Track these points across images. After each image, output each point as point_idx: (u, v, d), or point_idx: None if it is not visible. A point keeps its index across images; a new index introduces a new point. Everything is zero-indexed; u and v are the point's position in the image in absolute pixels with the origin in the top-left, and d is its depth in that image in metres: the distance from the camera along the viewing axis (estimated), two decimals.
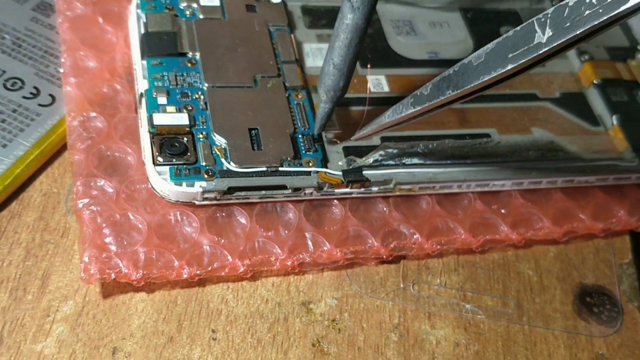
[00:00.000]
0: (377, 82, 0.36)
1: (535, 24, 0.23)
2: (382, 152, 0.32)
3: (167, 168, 0.29)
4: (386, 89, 0.36)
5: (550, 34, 0.23)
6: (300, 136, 0.32)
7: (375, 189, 0.32)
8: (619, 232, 0.35)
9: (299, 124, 0.33)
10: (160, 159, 0.30)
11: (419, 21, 0.39)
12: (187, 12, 0.35)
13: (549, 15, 0.23)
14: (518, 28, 0.24)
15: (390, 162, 0.32)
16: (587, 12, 0.22)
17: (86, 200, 0.29)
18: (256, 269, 0.30)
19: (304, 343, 0.29)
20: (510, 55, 0.24)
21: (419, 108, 0.27)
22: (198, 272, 0.29)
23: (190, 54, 0.34)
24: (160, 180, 0.29)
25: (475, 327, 0.31)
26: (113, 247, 0.28)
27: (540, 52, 0.23)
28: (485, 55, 0.25)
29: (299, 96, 0.34)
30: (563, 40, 0.22)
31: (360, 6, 0.29)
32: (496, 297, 0.32)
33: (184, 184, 0.29)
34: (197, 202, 0.30)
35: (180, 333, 0.28)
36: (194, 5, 0.36)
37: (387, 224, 0.32)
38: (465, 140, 0.34)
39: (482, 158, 0.34)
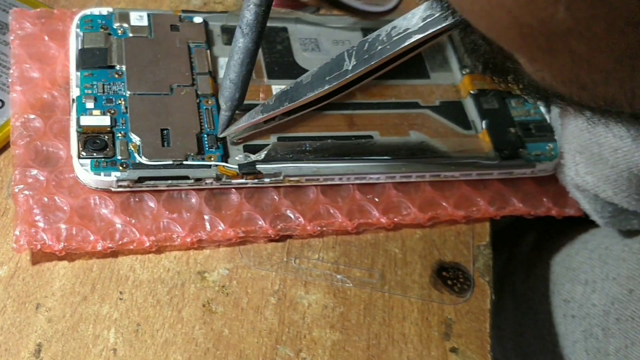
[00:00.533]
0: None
1: (345, 55, 0.30)
2: (273, 149, 0.39)
3: (88, 161, 0.36)
4: None
5: (354, 63, 0.29)
6: (205, 136, 0.39)
7: (267, 180, 0.39)
8: (480, 219, 0.42)
9: (206, 126, 0.39)
10: (83, 153, 0.36)
11: (324, 39, 0.46)
12: (119, 31, 0.42)
13: (355, 48, 0.30)
14: (335, 57, 0.31)
15: (281, 157, 0.39)
16: (379, 47, 0.28)
17: (21, 186, 0.36)
18: (160, 244, 0.36)
19: (195, 304, 0.35)
20: (327, 78, 0.31)
21: (266, 115, 0.34)
22: (110, 245, 0.35)
23: (117, 67, 0.40)
24: (83, 171, 0.36)
25: (342, 293, 0.37)
26: (41, 224, 0.35)
27: (347, 77, 0.30)
28: (311, 77, 0.32)
29: (209, 102, 0.40)
30: (363, 68, 0.29)
31: (249, 32, 0.36)
32: (364, 269, 0.38)
33: (102, 174, 0.36)
34: (112, 189, 0.37)
35: (93, 294, 0.35)
36: (125, 25, 0.42)
37: (276, 209, 0.39)
38: (346, 140, 0.40)
39: (361, 155, 0.40)
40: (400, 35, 0.29)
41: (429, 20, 0.28)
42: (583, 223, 0.45)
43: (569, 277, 0.43)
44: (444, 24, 0.27)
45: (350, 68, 0.30)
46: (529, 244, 0.51)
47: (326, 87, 0.31)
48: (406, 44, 0.28)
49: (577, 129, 0.37)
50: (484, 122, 0.43)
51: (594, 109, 0.27)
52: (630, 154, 0.33)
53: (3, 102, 0.40)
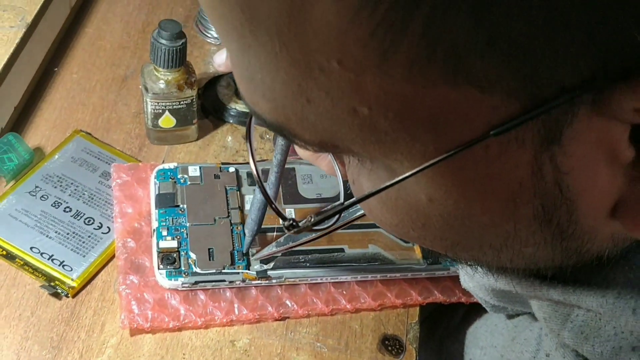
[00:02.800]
0: (289, 213, 0.66)
1: None
2: (278, 262, 0.62)
3: (164, 271, 0.59)
4: (294, 215, 0.65)
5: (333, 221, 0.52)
6: (236, 252, 0.62)
7: (274, 281, 0.61)
8: (412, 305, 0.64)
9: (237, 245, 0.62)
10: (161, 266, 0.60)
11: (315, 175, 0.69)
12: (182, 180, 0.65)
13: None
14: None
15: (282, 266, 0.62)
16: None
17: (124, 287, 0.59)
18: (207, 323, 0.59)
19: None
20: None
21: (278, 249, 0.57)
22: (177, 323, 0.58)
23: (181, 205, 0.64)
24: (161, 277, 0.59)
25: (321, 355, 0.60)
26: (136, 311, 0.58)
27: (327, 230, 0.52)
28: None
29: (238, 228, 0.63)
30: (337, 225, 0.52)
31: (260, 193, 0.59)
32: (335, 339, 0.61)
33: (173, 279, 0.59)
34: (179, 289, 0.60)
35: (167, 354, 0.57)
36: (185, 175, 0.66)
37: (279, 300, 0.62)
38: (325, 254, 0.63)
39: (335, 263, 0.63)
40: (357, 208, 0.52)
41: None
42: None
43: (474, 342, 0.65)
44: None
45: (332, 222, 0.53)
46: (459, 317, 0.73)
47: (313, 235, 0.54)
48: (359, 214, 0.51)
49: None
50: None
51: (460, 262, 0.49)
52: (480, 279, 0.54)
53: (109, 229, 0.63)
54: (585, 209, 0.35)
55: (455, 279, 0.65)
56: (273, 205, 0.43)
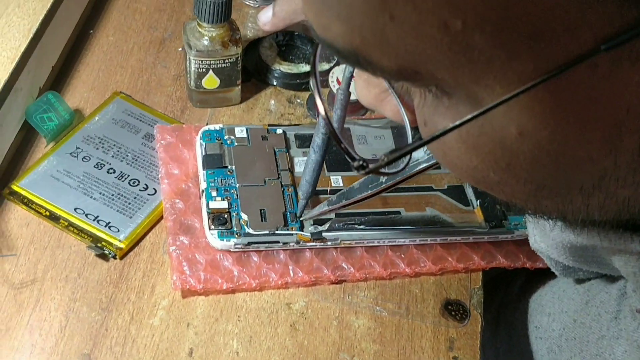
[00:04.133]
0: (336, 180, 0.62)
1: None
2: (333, 223, 0.58)
3: (216, 232, 0.56)
4: (341, 183, 0.62)
5: (386, 178, 0.49)
6: (288, 214, 0.59)
7: (329, 243, 0.58)
8: (475, 270, 0.61)
9: (289, 207, 0.59)
10: (212, 226, 0.56)
11: (369, 136, 0.66)
12: (229, 141, 0.62)
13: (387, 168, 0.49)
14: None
15: (338, 228, 0.58)
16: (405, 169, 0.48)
17: (174, 247, 0.56)
18: (261, 285, 0.56)
19: (285, 324, 0.55)
20: (369, 185, 0.50)
21: (329, 208, 0.54)
22: (231, 285, 0.55)
23: (229, 167, 0.61)
24: (212, 238, 0.56)
25: (380, 319, 0.56)
26: (187, 272, 0.55)
27: (381, 187, 0.49)
28: (359, 184, 0.51)
29: (289, 190, 0.60)
30: (392, 182, 0.49)
31: (318, 150, 0.56)
32: (395, 303, 0.58)
33: (225, 240, 0.56)
34: (231, 250, 0.56)
35: (222, 317, 0.54)
36: (232, 137, 0.63)
37: (335, 262, 0.58)
38: (382, 215, 0.60)
39: (392, 226, 0.60)
40: (414, 163, 0.48)
41: (431, 154, 0.48)
42: (553, 272, 0.63)
43: (539, 310, 0.62)
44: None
45: (384, 181, 0.50)
46: (517, 286, 0.69)
47: (368, 192, 0.51)
48: (417, 169, 0.48)
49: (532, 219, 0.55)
50: (478, 201, 0.63)
51: (538, 216, 0.45)
52: (560, 233, 0.51)
53: (156, 190, 0.60)
54: None
55: (519, 243, 0.62)
56: (342, 145, 0.39)
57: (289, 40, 0.73)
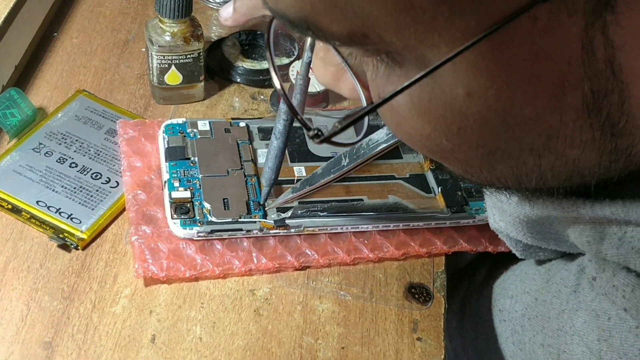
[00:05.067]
0: (299, 170, 0.63)
1: (342, 156, 0.50)
2: (296, 210, 0.59)
3: (178, 220, 0.56)
4: (304, 173, 0.63)
5: (348, 161, 0.50)
6: (252, 202, 0.59)
7: (293, 230, 0.59)
8: (437, 254, 0.61)
9: (252, 196, 0.60)
10: (175, 215, 0.57)
11: (331, 127, 0.66)
12: (191, 134, 0.63)
13: (347, 152, 0.50)
14: (336, 157, 0.51)
15: (301, 215, 0.59)
16: (362, 152, 0.49)
17: (136, 237, 0.56)
18: (225, 272, 0.56)
19: (249, 310, 0.55)
20: (332, 170, 0.51)
21: (295, 194, 0.55)
22: (194, 273, 0.55)
23: (192, 158, 0.61)
24: (175, 227, 0.56)
25: (345, 303, 0.57)
26: (150, 260, 0.55)
27: (343, 170, 0.50)
28: (322, 170, 0.52)
29: (252, 180, 0.61)
30: (353, 165, 0.49)
31: (280, 137, 0.56)
32: (359, 288, 0.58)
33: (187, 229, 0.56)
34: (194, 238, 0.57)
35: (185, 304, 0.54)
36: (195, 130, 0.63)
37: (299, 249, 0.59)
38: (344, 202, 0.61)
39: (355, 212, 0.60)
40: (374, 144, 0.49)
41: (390, 134, 0.49)
42: (515, 257, 0.64)
43: (502, 293, 0.62)
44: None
45: (345, 164, 0.50)
46: (482, 274, 0.70)
47: (331, 177, 0.51)
48: (377, 150, 0.49)
49: (489, 194, 0.56)
50: (439, 188, 0.63)
51: (494, 185, 0.46)
52: (516, 207, 0.51)
53: (118, 183, 0.60)
54: (638, 96, 0.33)
55: (481, 227, 0.63)
56: (299, 117, 0.40)
57: (252, 40, 0.74)
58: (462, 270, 0.72)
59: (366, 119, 0.43)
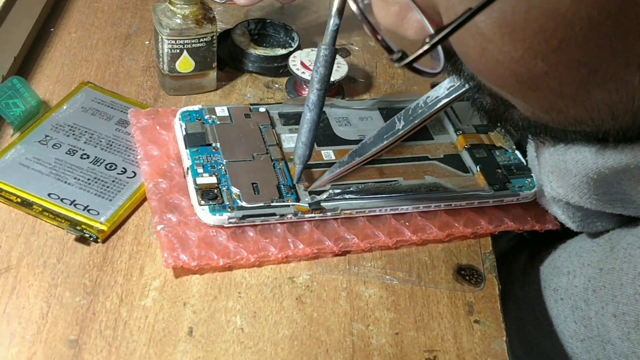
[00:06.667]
0: (327, 154, 0.59)
1: (396, 119, 0.46)
2: (331, 192, 0.54)
3: (207, 207, 0.52)
4: (333, 157, 0.58)
5: (403, 123, 0.46)
6: (282, 186, 0.54)
7: (329, 213, 0.54)
8: (483, 234, 0.57)
9: (281, 179, 0.55)
10: (202, 202, 0.52)
11: (352, 117, 0.63)
12: (210, 120, 0.58)
13: (402, 113, 0.46)
14: (389, 122, 0.47)
15: (337, 197, 0.54)
16: (419, 111, 0.45)
17: (162, 226, 0.51)
18: (261, 260, 0.51)
19: (291, 298, 0.50)
20: (385, 136, 0.47)
21: (343, 168, 0.50)
22: (228, 261, 0.50)
23: (213, 144, 0.56)
24: (204, 213, 0.51)
25: (392, 288, 0.52)
26: (179, 249, 0.50)
27: (399, 134, 0.46)
28: (373, 137, 0.48)
29: (280, 164, 0.56)
30: (410, 126, 0.45)
31: (314, 108, 0.52)
32: (404, 272, 0.53)
33: (217, 215, 0.51)
34: (225, 225, 0.52)
35: (220, 294, 0.49)
36: (213, 116, 0.59)
37: (337, 233, 0.54)
38: (380, 183, 0.56)
39: (392, 193, 0.56)
40: (433, 101, 0.45)
41: (452, 88, 0.45)
42: (560, 237, 0.60)
43: (555, 272, 0.58)
44: (462, 90, 0.43)
45: (400, 127, 0.46)
46: (521, 261, 0.66)
47: (385, 143, 0.47)
48: (438, 107, 0.44)
49: (549, 155, 0.52)
50: (478, 166, 0.59)
51: (565, 132, 0.42)
52: (587, 163, 0.47)
53: (135, 173, 0.55)
54: None
55: (525, 205, 0.59)
56: (379, 35, 0.35)
57: (261, 29, 0.70)
58: (498, 256, 0.68)
59: (442, 53, 0.38)
